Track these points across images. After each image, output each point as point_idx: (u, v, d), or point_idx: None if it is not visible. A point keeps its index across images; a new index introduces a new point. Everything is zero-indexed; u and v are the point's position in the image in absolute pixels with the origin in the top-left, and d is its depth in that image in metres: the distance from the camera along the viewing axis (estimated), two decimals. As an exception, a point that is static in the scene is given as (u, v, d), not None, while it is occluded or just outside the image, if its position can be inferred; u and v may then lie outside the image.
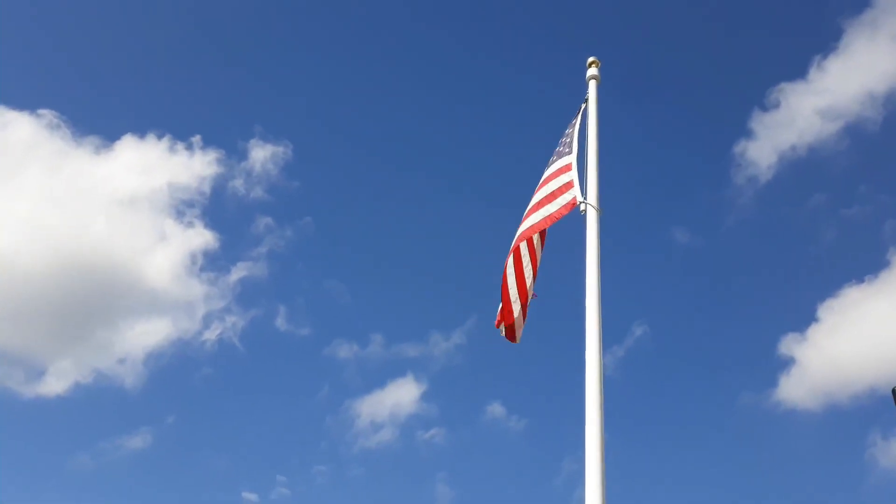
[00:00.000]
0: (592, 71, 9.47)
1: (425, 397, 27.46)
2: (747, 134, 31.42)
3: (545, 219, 8.51)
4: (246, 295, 29.62)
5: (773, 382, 27.35)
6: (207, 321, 28.38)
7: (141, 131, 32.37)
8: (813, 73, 30.91)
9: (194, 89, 34.12)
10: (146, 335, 27.99)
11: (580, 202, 8.20)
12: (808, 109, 30.04)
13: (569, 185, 8.43)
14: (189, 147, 30.33)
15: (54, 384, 27.02)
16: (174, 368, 28.34)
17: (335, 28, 34.29)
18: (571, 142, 8.86)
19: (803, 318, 29.60)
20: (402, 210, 32.97)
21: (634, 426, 25.16)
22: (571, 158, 8.66)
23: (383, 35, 34.50)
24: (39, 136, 29.61)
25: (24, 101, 34.71)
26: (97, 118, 33.85)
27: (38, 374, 27.65)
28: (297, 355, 29.84)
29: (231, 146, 32.73)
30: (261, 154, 30.33)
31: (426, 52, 34.78)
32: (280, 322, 29.21)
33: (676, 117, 33.59)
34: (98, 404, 27.87)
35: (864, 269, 30.68)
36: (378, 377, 28.79)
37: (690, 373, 28.26)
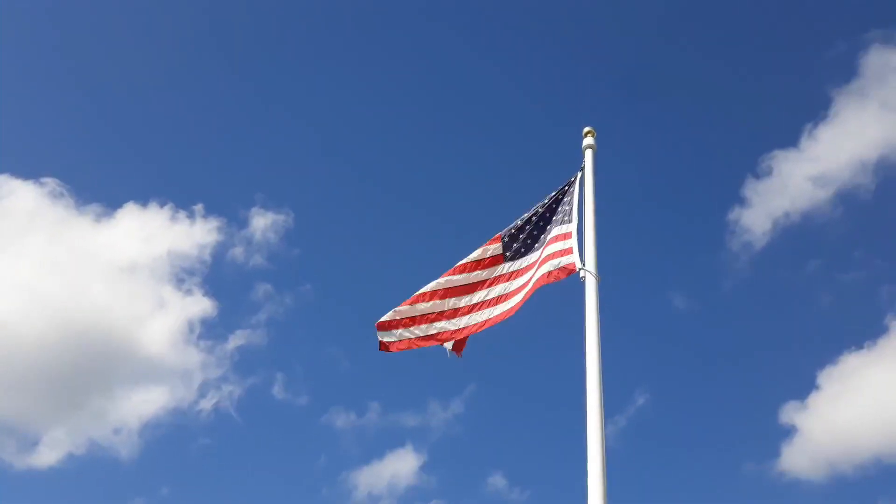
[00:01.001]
0: (588, 140, 9.56)
1: (425, 468, 27.01)
2: (741, 201, 31.74)
3: (541, 277, 8.67)
4: (244, 363, 29.45)
5: (775, 452, 26.99)
6: (204, 390, 28.14)
7: (143, 199, 32.63)
8: (804, 141, 31.42)
9: (198, 158, 34.60)
10: (142, 404, 27.72)
11: (579, 269, 8.28)
12: (801, 177, 30.46)
13: (568, 251, 8.55)
14: (191, 215, 30.59)
15: (47, 455, 26.62)
16: (170, 438, 27.97)
17: (336, 97, 34.96)
18: (571, 210, 8.99)
19: (803, 386, 29.43)
20: (402, 277, 33.02)
21: (637, 497, 24.69)
22: (572, 227, 8.79)
23: (384, 104, 35.16)
24: (42, 204, 29.91)
25: (28, 169, 35.13)
26: (100, 186, 34.21)
27: (31, 444, 27.25)
28: (294, 424, 29.48)
29: (232, 214, 32.98)
30: (261, 222, 30.57)
31: (426, 121, 35.37)
32: (277, 390, 28.96)
33: (671, 185, 34.00)
34: (91, 476, 27.40)
35: (862, 335, 30.57)
36: (376, 447, 28.37)
37: (692, 442, 27.89)
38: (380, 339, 9.12)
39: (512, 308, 8.89)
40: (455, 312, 9.08)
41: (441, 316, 9.08)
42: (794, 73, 34.23)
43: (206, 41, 34.57)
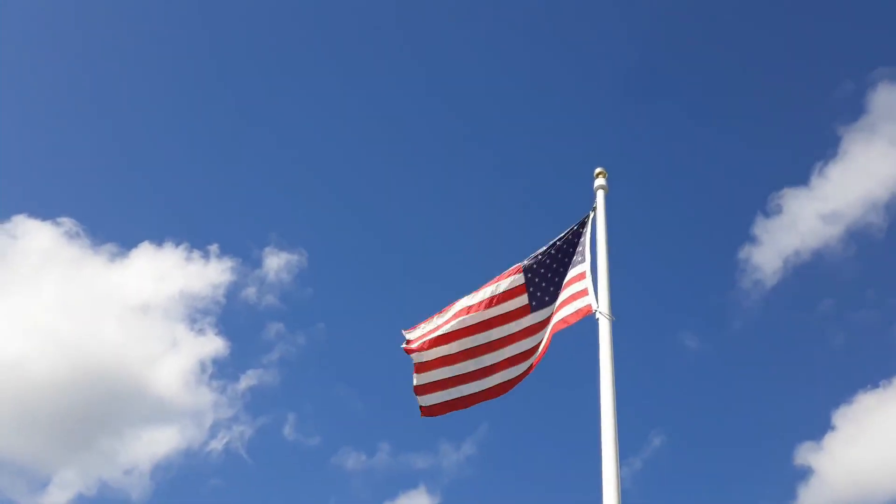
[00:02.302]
0: (600, 181, 9.60)
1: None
2: (751, 240, 31.68)
3: (558, 322, 8.68)
4: (255, 403, 29.35)
5: (792, 495, 26.51)
6: (214, 430, 28.04)
7: (159, 239, 32.89)
8: (815, 179, 31.46)
9: (214, 198, 34.90)
10: (153, 445, 27.62)
11: (595, 310, 8.29)
12: (811, 215, 30.43)
13: (583, 293, 8.57)
14: (205, 255, 30.78)
15: (57, 495, 26.48)
16: (181, 479, 27.80)
17: (350, 139, 35.32)
18: (584, 250, 9.04)
19: (818, 426, 28.92)
20: (415, 317, 32.94)
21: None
22: (585, 267, 8.82)
23: (396, 144, 35.48)
24: (58, 243, 30.19)
25: (45, 209, 35.51)
26: (116, 226, 34.54)
27: (42, 484, 27.12)
28: (304, 465, 29.27)
29: (246, 254, 33.13)
30: (275, 262, 30.71)
31: (439, 162, 35.63)
32: (288, 430, 28.80)
33: (680, 224, 34.01)
34: (100, 518, 27.16)
35: (877, 374, 30.30)
36: (387, 488, 28.11)
37: (708, 485, 27.38)
38: (420, 404, 9.11)
39: (538, 358, 8.91)
40: (487, 371, 9.08)
41: (474, 376, 9.09)
42: (803, 112, 34.47)
43: (221, 82, 35.12)
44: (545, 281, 9.24)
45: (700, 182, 34.22)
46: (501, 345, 9.12)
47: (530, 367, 8.97)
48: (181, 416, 28.44)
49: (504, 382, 9.05)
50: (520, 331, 9.13)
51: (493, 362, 9.08)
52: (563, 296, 8.87)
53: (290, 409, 29.56)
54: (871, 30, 33.36)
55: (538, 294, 9.20)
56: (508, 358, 9.06)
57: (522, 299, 9.18)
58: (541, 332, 9.01)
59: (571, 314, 8.55)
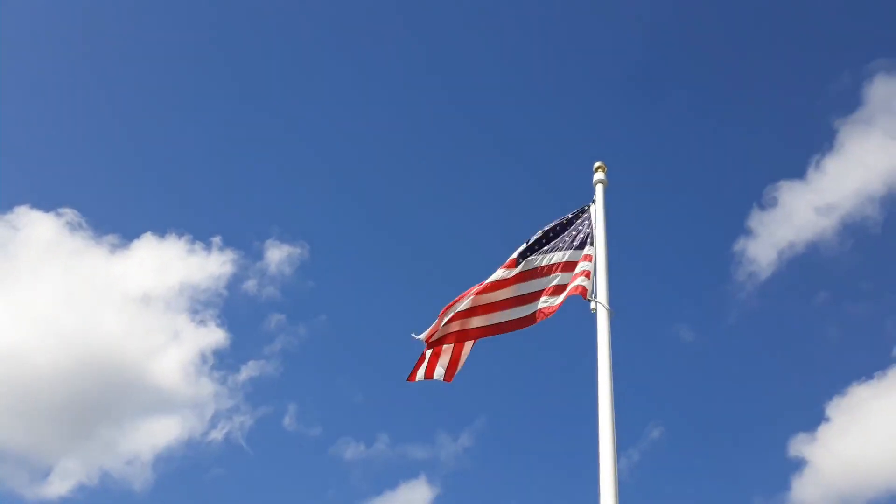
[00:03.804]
0: (599, 175, 9.64)
1: (437, 501, 26.83)
2: (746, 232, 31.76)
3: (571, 289, 8.83)
4: (255, 393, 29.49)
5: (785, 485, 26.68)
6: (215, 421, 28.18)
7: (161, 231, 32.97)
8: (811, 172, 31.52)
9: (217, 191, 35.02)
10: (154, 435, 27.77)
11: (590, 298, 8.40)
12: (807, 208, 30.49)
13: (585, 273, 8.71)
14: (207, 247, 30.88)
15: (59, 485, 26.63)
16: (182, 469, 27.97)
17: (353, 132, 35.37)
18: (592, 233, 9.12)
19: (812, 418, 29.14)
20: (415, 309, 33.12)
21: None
22: (592, 251, 8.93)
23: (399, 138, 35.53)
24: (60, 234, 30.26)
25: (47, 200, 35.62)
26: (118, 217, 34.62)
27: (43, 474, 27.28)
28: (304, 455, 29.45)
29: (248, 246, 33.23)
30: (276, 254, 30.81)
31: (440, 157, 35.69)
32: (288, 421, 28.95)
33: (676, 216, 34.10)
34: (102, 508, 27.33)
35: (871, 366, 30.44)
36: (385, 479, 28.26)
37: (703, 476, 27.62)
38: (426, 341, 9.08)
39: (538, 313, 8.96)
40: (487, 308, 9.11)
41: (474, 312, 9.12)
42: (800, 104, 34.51)
43: (225, 76, 35.14)
44: (537, 245, 9.37)
45: (696, 175, 34.36)
46: (498, 286, 9.19)
47: (530, 317, 9.00)
48: (182, 407, 28.62)
49: (497, 324, 9.08)
50: (514, 276, 9.21)
51: (493, 301, 9.13)
52: (577, 269, 8.96)
53: (290, 400, 29.73)
54: (867, 22, 33.43)
55: (527, 255, 9.32)
56: (508, 299, 9.11)
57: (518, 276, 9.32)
58: (544, 279, 9.09)
59: (576, 287, 8.68)
